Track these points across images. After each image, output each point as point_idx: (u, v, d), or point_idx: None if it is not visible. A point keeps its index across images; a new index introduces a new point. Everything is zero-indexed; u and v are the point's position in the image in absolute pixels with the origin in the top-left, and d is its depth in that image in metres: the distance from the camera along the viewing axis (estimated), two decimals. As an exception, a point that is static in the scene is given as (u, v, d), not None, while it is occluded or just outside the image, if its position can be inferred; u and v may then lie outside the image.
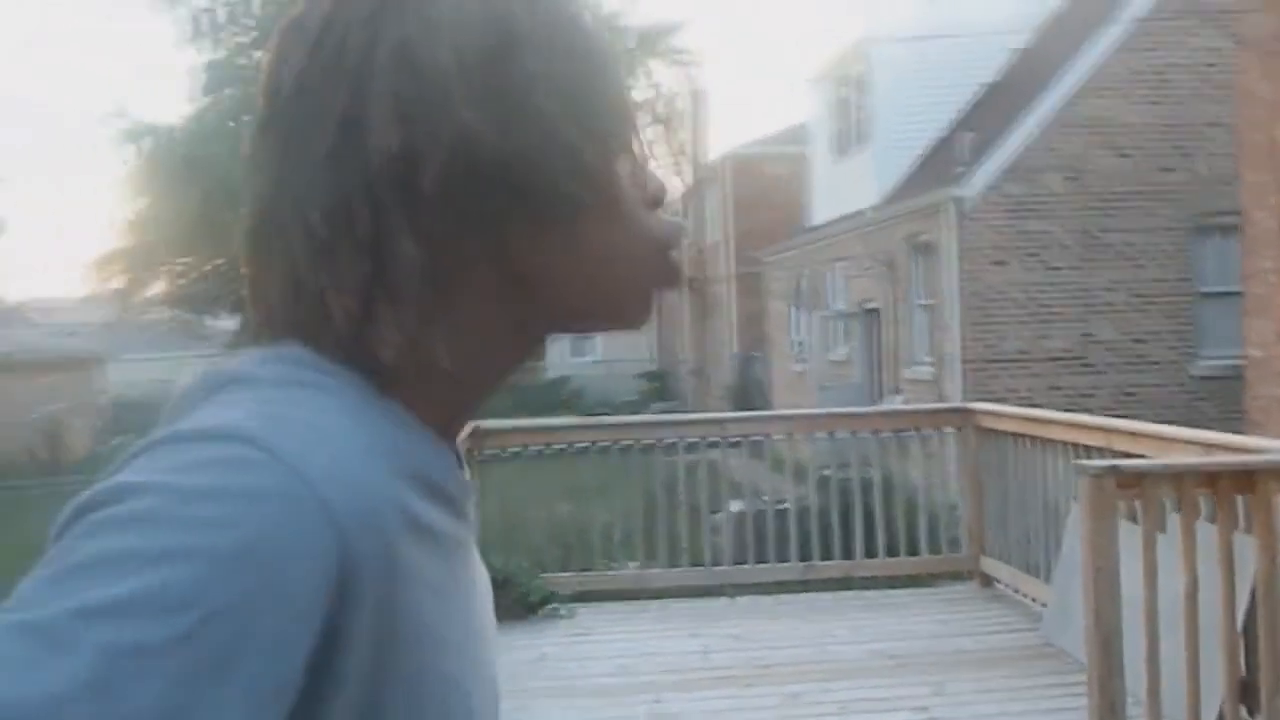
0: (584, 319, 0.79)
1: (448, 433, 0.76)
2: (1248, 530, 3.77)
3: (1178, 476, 3.91)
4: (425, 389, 0.73)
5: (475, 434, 6.77)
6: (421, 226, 0.69)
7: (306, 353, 0.70)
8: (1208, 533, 3.79)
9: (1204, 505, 3.92)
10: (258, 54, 14.80)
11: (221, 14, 17.54)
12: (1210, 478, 3.86)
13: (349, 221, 0.69)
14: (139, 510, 0.58)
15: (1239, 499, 3.78)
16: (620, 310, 0.79)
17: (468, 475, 0.78)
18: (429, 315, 0.70)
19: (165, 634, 0.55)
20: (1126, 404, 13.21)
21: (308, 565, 0.59)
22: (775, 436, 7.89)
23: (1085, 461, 4.14)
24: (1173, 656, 3.69)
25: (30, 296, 50.62)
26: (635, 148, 0.76)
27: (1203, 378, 13.99)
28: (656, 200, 0.79)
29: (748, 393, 25.31)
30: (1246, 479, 3.73)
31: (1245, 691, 3.73)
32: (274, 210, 0.71)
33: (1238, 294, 11.01)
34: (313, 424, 0.64)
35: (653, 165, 0.80)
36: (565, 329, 0.79)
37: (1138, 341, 14.53)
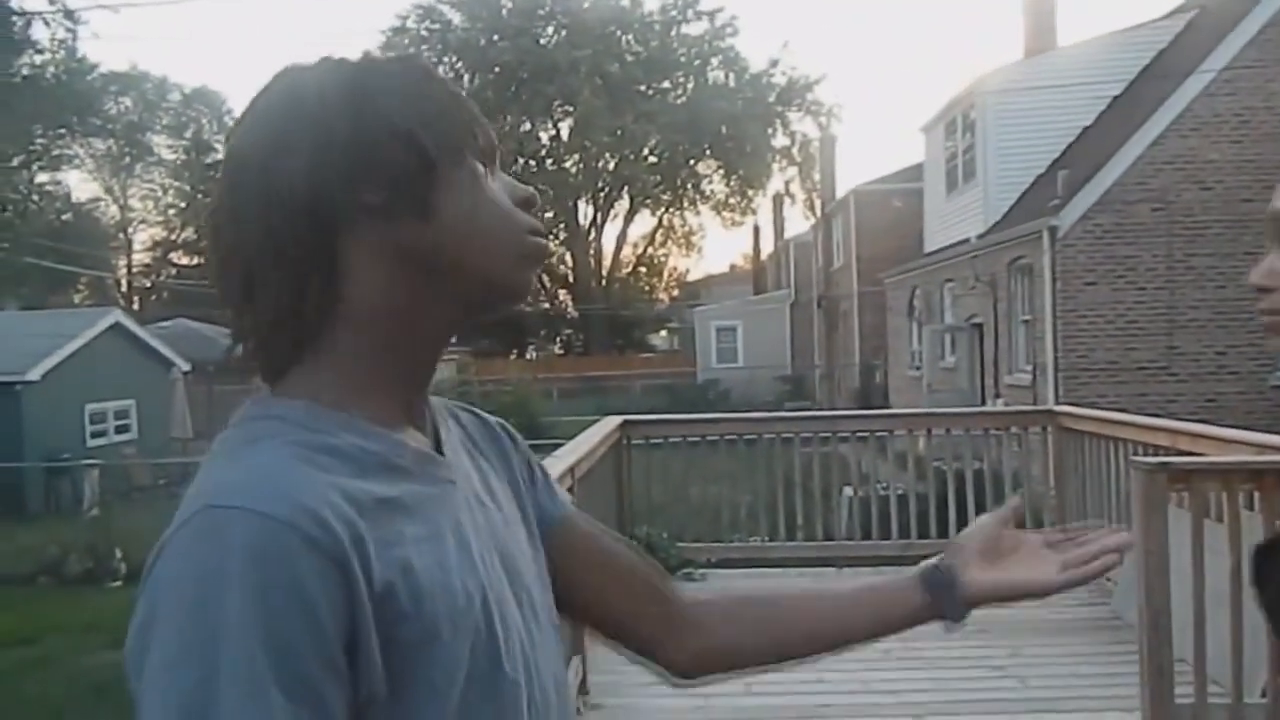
0: (475, 287, 0.83)
1: (409, 414, 0.83)
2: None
3: (1225, 473, 3.73)
4: (374, 364, 0.80)
5: (626, 425, 6.84)
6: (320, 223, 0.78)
7: (262, 403, 0.79)
8: (1254, 521, 3.62)
9: (1257, 500, 3.72)
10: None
11: None
12: (1255, 474, 3.67)
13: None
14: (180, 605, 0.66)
15: (1285, 494, 3.58)
16: (499, 276, 0.83)
17: (430, 445, 0.84)
18: (332, 291, 0.79)
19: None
20: (1210, 410, 12.51)
21: (304, 564, 0.67)
22: (879, 433, 7.71)
23: (1139, 459, 3.99)
24: (1223, 630, 3.54)
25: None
26: (486, 157, 0.83)
27: (1281, 388, 13.20)
28: (524, 202, 0.85)
29: (869, 395, 24.90)
30: (1290, 476, 3.53)
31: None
32: (238, 264, 0.80)
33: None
34: (263, 473, 0.71)
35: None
36: (468, 302, 0.83)
37: (1220, 354, 13.75)
